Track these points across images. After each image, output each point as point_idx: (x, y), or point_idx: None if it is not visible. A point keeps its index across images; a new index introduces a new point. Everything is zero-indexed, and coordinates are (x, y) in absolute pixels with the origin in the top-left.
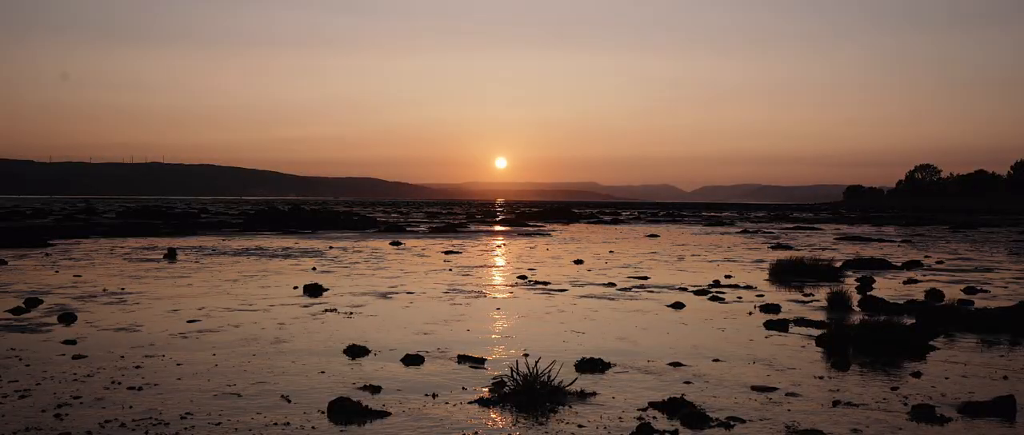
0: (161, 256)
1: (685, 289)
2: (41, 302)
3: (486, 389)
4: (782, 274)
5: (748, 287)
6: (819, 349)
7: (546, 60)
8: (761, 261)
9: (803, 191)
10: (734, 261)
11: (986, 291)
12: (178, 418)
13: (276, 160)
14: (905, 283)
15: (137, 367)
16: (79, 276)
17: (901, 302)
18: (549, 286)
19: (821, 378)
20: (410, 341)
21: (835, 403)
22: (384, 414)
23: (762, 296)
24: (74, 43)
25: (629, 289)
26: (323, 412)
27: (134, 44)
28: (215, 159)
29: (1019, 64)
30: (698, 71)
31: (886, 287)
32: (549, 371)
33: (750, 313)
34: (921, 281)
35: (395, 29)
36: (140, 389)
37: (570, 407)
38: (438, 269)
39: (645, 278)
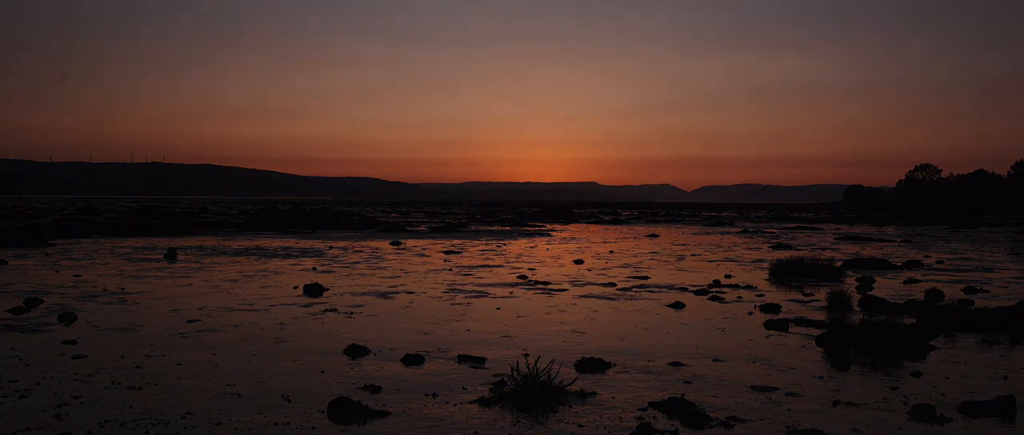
0: (161, 256)
1: (685, 289)
2: (41, 302)
3: (486, 389)
4: (782, 274)
5: (748, 287)
6: (819, 349)
7: (547, 59)
8: (761, 261)
9: (803, 191)
10: (734, 261)
11: (986, 291)
12: (178, 418)
13: (276, 160)
14: (905, 283)
15: (137, 367)
16: (79, 276)
17: (901, 302)
18: (549, 286)
19: (821, 378)
20: (410, 341)
21: (835, 403)
22: (384, 414)
23: (762, 296)
24: (74, 41)
25: (629, 289)
26: (323, 412)
27: (134, 43)
28: (215, 159)
29: (1019, 64)
30: (699, 71)
31: (886, 287)
32: (549, 371)
33: (750, 313)
34: (921, 281)
35: (397, 27)
36: (140, 389)
37: (570, 407)
38: (438, 269)
39: (645, 278)
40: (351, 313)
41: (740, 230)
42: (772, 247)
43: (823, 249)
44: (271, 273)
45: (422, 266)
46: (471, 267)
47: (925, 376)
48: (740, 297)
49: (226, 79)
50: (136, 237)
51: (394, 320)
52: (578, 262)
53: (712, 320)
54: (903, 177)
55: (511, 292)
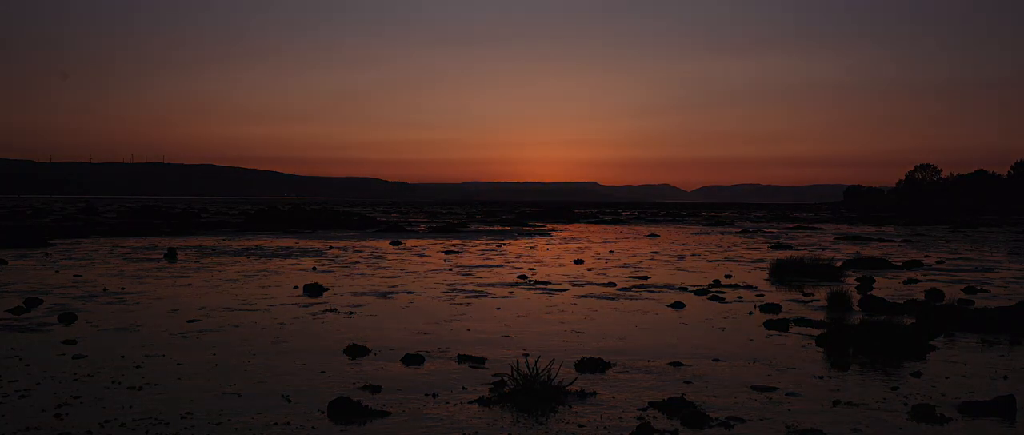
0: (161, 256)
1: (685, 289)
2: (41, 302)
3: (486, 389)
4: (782, 274)
5: (748, 287)
6: (819, 349)
7: (547, 59)
8: (761, 261)
9: (803, 191)
10: (734, 261)
11: (986, 291)
12: (178, 418)
13: (276, 160)
14: (905, 283)
15: (137, 367)
16: (79, 276)
17: (901, 302)
18: (549, 286)
19: (821, 378)
20: (410, 341)
21: (835, 403)
22: (384, 414)
23: (762, 296)
24: (74, 41)
25: (629, 289)
26: (323, 412)
27: (135, 43)
28: (215, 159)
29: (1020, 64)
30: (699, 71)
31: (886, 287)
32: (549, 371)
33: (750, 313)
34: (921, 281)
35: (397, 28)
36: (140, 389)
37: (570, 407)
38: (438, 269)
39: (645, 278)
40: (351, 313)
41: (740, 230)
42: (772, 247)
43: (823, 249)
44: (271, 273)
45: (422, 266)
46: (471, 267)
47: (925, 376)
48: (740, 297)
49: (226, 79)
50: (136, 237)
51: (394, 320)
52: (578, 262)
53: (712, 320)
54: (903, 177)
55: (511, 292)
